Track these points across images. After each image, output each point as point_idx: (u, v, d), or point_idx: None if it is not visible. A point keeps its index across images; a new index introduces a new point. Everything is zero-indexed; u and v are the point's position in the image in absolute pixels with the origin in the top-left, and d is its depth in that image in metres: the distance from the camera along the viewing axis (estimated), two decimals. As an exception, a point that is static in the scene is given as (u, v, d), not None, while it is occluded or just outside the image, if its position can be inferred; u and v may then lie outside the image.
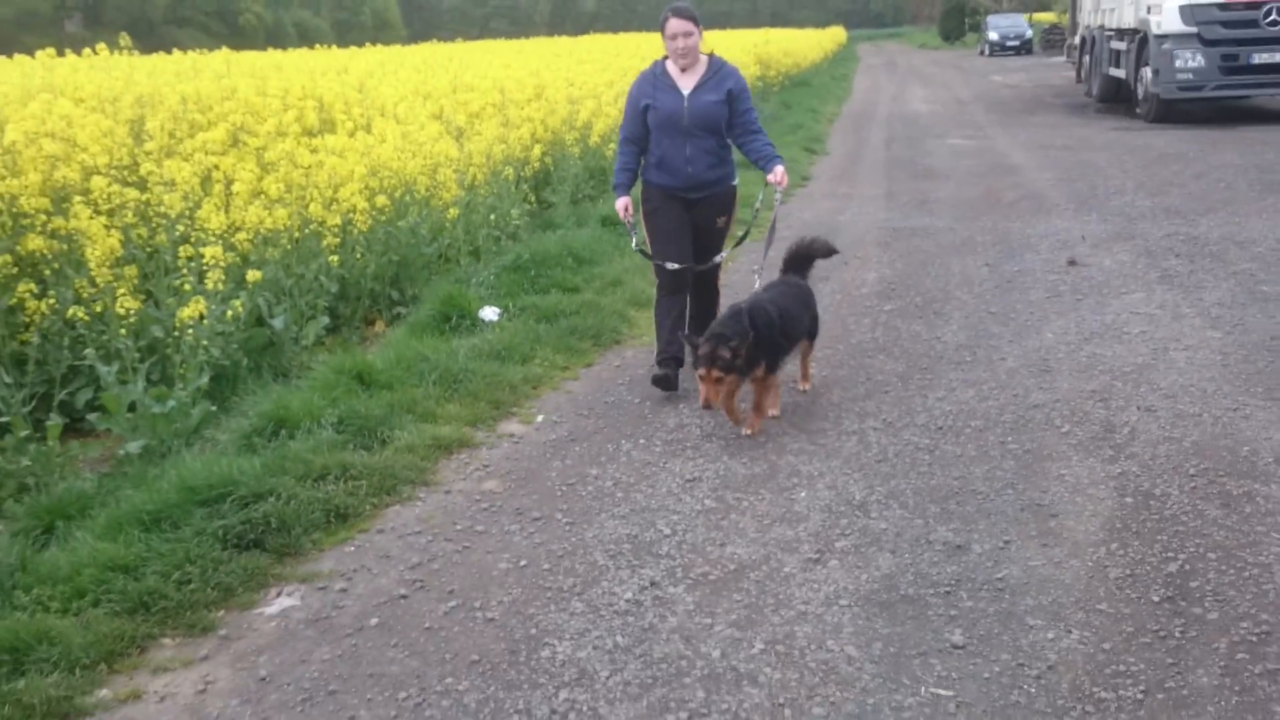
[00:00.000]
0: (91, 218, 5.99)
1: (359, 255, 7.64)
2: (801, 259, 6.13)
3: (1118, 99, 20.89)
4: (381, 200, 7.78)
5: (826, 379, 6.19)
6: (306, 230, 7.19)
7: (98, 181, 6.46)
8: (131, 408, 5.56)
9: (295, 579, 4.17)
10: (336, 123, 9.61)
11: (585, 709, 3.33)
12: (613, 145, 12.89)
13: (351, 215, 7.39)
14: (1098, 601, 3.77)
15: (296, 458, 4.94)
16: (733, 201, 6.20)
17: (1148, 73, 17.76)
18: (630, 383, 6.29)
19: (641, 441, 5.42)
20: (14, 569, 4.05)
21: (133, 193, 6.60)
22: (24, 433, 5.36)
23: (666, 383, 6.03)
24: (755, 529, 4.45)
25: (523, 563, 4.25)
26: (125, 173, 7.14)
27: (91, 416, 5.69)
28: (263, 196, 6.98)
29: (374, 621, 3.88)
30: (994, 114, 21.79)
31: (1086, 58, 23.79)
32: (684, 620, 3.80)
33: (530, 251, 8.77)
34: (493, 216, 9.44)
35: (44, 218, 6.22)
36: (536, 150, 11.04)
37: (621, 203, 6.07)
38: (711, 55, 6.03)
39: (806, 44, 41.46)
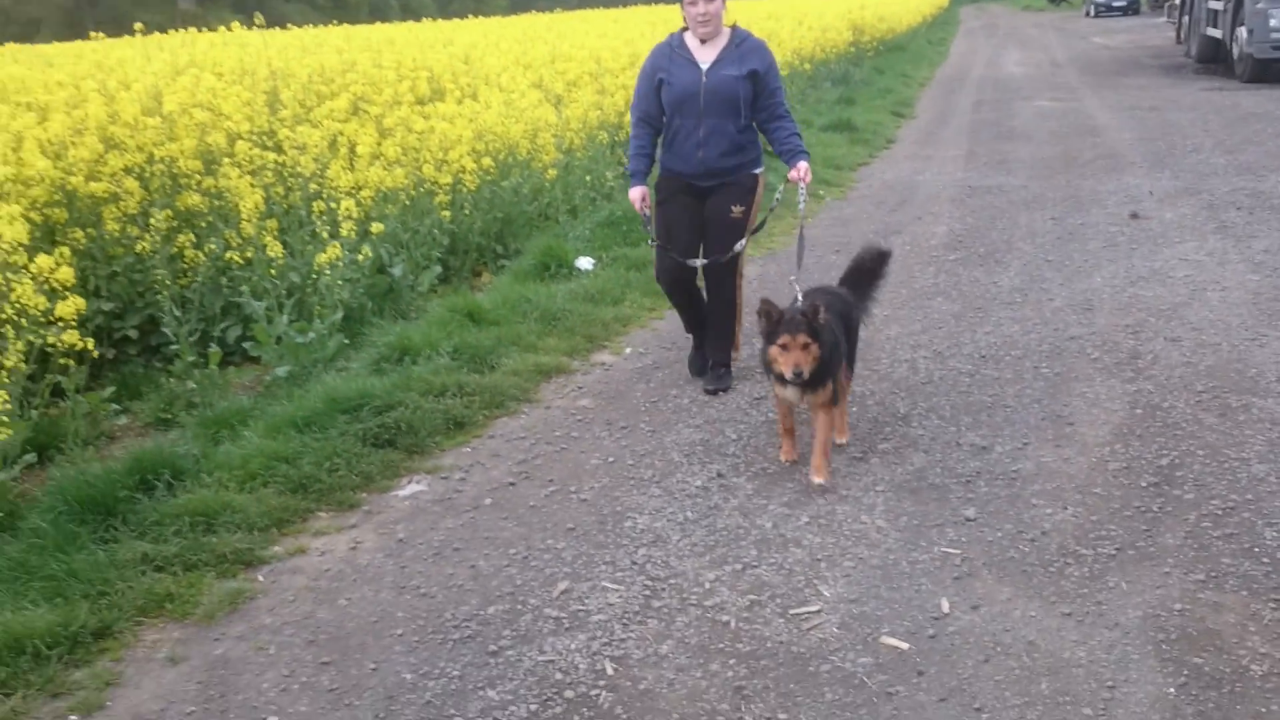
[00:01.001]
0: (239, 178, 6.95)
1: (467, 212, 8.53)
2: (862, 274, 5.33)
3: (1216, 59, 20.94)
4: (487, 162, 8.66)
5: (887, 318, 6.90)
6: (421, 189, 8.10)
7: (241, 146, 7.42)
8: (278, 340, 6.51)
9: (423, 470, 5.06)
10: (446, 91, 10.49)
11: (659, 561, 4.15)
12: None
13: (461, 176, 8.27)
14: (1094, 486, 4.49)
15: (419, 378, 5.84)
16: (753, 191, 5.60)
17: (1243, 32, 17.86)
18: (709, 321, 7.06)
19: (689, 379, 6.20)
20: (197, 458, 5.00)
21: (271, 155, 7.55)
22: (190, 359, 6.35)
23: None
24: (810, 435, 5.21)
25: (610, 459, 5.09)
26: (263, 138, 8.12)
27: (246, 345, 6.66)
28: (382, 159, 7.89)
29: (488, 501, 4.74)
30: (1087, 76, 21.96)
31: (1186, 18, 23.75)
32: (744, 501, 4.60)
33: (623, 209, 9.57)
34: (588, 178, 10.26)
35: (198, 178, 7.21)
36: (629, 118, 11.81)
37: (637, 193, 5.62)
38: (735, 27, 5.55)
39: (903, 8, 41.35)
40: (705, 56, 5.44)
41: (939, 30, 44.09)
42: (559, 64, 12.96)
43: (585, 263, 8.19)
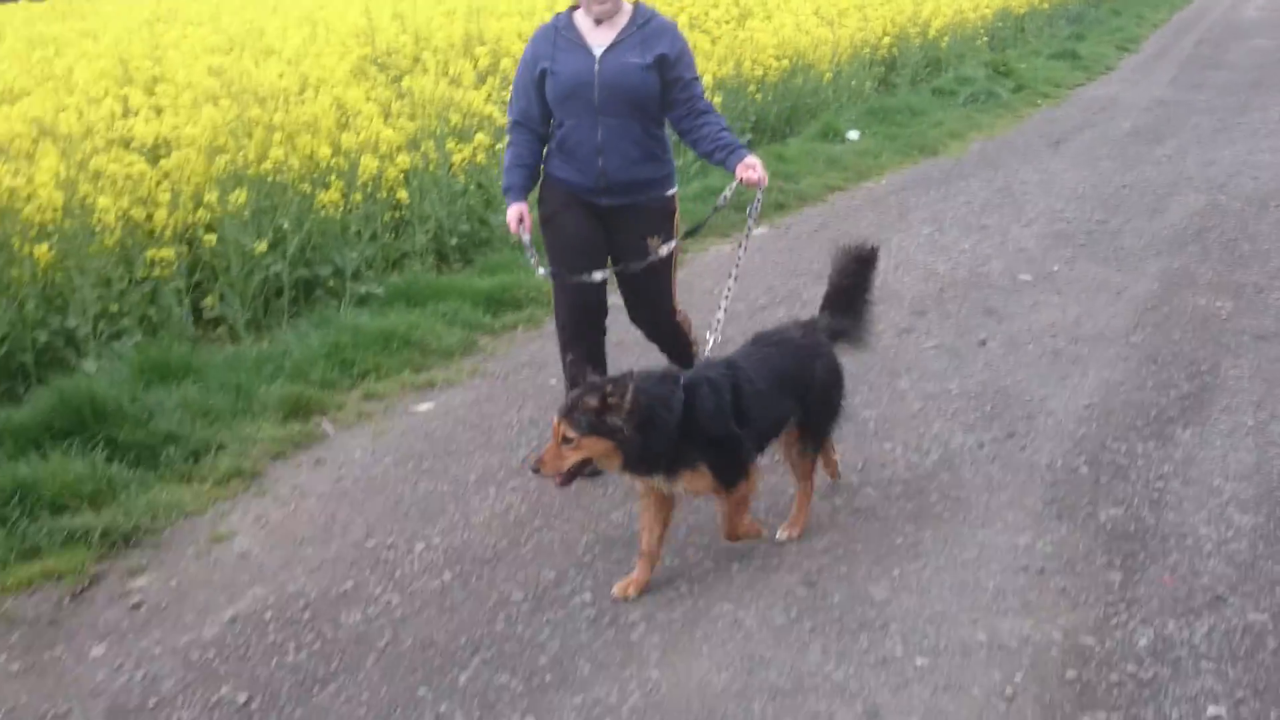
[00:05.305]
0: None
1: (768, 99, 12.40)
2: (844, 290, 4.50)
3: None
4: (784, 64, 12.51)
5: (1066, 169, 10.42)
6: (738, 79, 12.01)
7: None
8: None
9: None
10: (754, 13, 14.39)
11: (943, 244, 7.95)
12: (947, 39, 17.14)
13: (766, 72, 12.15)
14: (1163, 233, 8.09)
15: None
16: (670, 218, 4.61)
17: None
18: (941, 172, 10.74)
19: (941, 190, 9.91)
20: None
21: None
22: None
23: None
24: (997, 217, 8.89)
25: (876, 221, 8.90)
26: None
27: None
28: (714, 57, 11.82)
29: (804, 236, 8.63)
30: (1321, 20, 24.11)
31: None
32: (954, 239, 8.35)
33: (880, 104, 13.33)
34: (853, 82, 13.99)
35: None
36: (885, 40, 15.46)
37: (514, 211, 4.54)
38: (638, 4, 4.55)
39: (1160, -46, 42.73)
40: (599, 39, 4.43)
41: (1197, -23, 45.19)
42: (833, -3, 16.65)
43: (853, 134, 11.96)
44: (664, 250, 4.52)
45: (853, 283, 4.47)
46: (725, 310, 4.43)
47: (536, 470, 3.66)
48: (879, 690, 3.31)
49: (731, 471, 3.83)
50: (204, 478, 4.81)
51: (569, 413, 3.59)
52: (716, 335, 4.32)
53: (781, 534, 4.21)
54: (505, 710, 3.33)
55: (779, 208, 9.36)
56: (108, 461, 4.74)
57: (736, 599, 3.83)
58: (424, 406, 5.65)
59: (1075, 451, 4.79)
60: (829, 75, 13.33)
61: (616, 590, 3.88)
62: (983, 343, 6.14)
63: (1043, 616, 3.63)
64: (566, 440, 3.58)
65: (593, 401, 3.56)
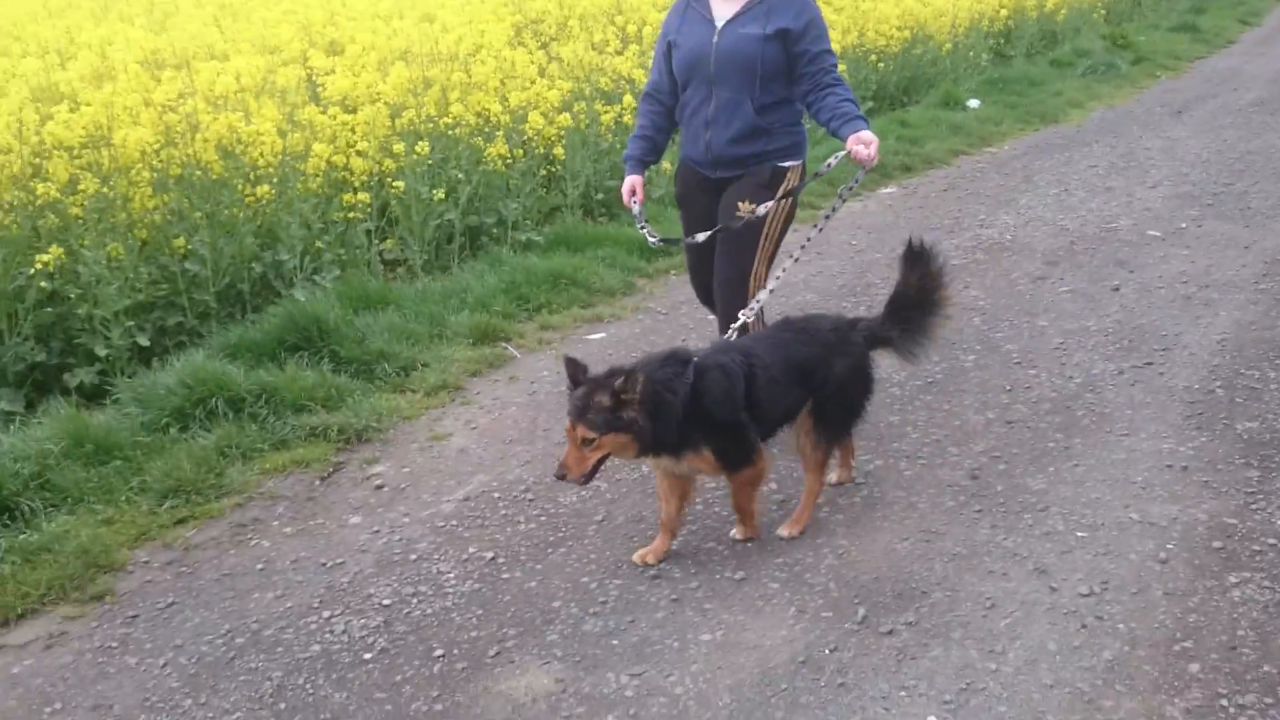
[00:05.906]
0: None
1: (889, 69, 12.81)
2: (906, 299, 4.25)
3: None
4: (905, 34, 12.90)
5: (1188, 135, 10.71)
6: (859, 49, 12.43)
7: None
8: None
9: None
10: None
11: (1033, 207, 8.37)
12: (1064, 12, 17.36)
13: (888, 42, 12.55)
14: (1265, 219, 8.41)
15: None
16: (771, 186, 4.45)
17: None
18: (1063, 138, 11.09)
19: (1065, 155, 10.27)
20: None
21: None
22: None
23: None
24: (1122, 180, 9.26)
25: (995, 194, 9.32)
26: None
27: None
28: (836, 27, 12.25)
29: (931, 196, 9.08)
30: None
31: None
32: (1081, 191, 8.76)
33: (998, 74, 13.66)
34: (970, 54, 14.32)
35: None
36: (1002, 13, 15.74)
37: (628, 184, 4.64)
38: None
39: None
40: (724, 11, 4.44)
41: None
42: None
43: (974, 102, 12.33)
44: (760, 210, 4.34)
45: (915, 292, 4.23)
46: (771, 291, 4.39)
47: (562, 477, 3.64)
48: (1046, 555, 3.84)
49: (736, 457, 3.83)
50: (415, 389, 5.48)
51: (583, 414, 3.55)
52: (749, 314, 4.33)
53: (783, 531, 4.11)
54: (716, 567, 3.92)
55: (905, 169, 9.84)
56: (333, 372, 5.44)
57: (908, 488, 4.37)
58: (597, 335, 6.26)
59: (1211, 377, 5.24)
60: (948, 46, 13.69)
61: (636, 557, 3.96)
62: (1116, 288, 6.57)
63: (1188, 503, 4.13)
64: (586, 441, 3.57)
65: (605, 399, 3.53)
